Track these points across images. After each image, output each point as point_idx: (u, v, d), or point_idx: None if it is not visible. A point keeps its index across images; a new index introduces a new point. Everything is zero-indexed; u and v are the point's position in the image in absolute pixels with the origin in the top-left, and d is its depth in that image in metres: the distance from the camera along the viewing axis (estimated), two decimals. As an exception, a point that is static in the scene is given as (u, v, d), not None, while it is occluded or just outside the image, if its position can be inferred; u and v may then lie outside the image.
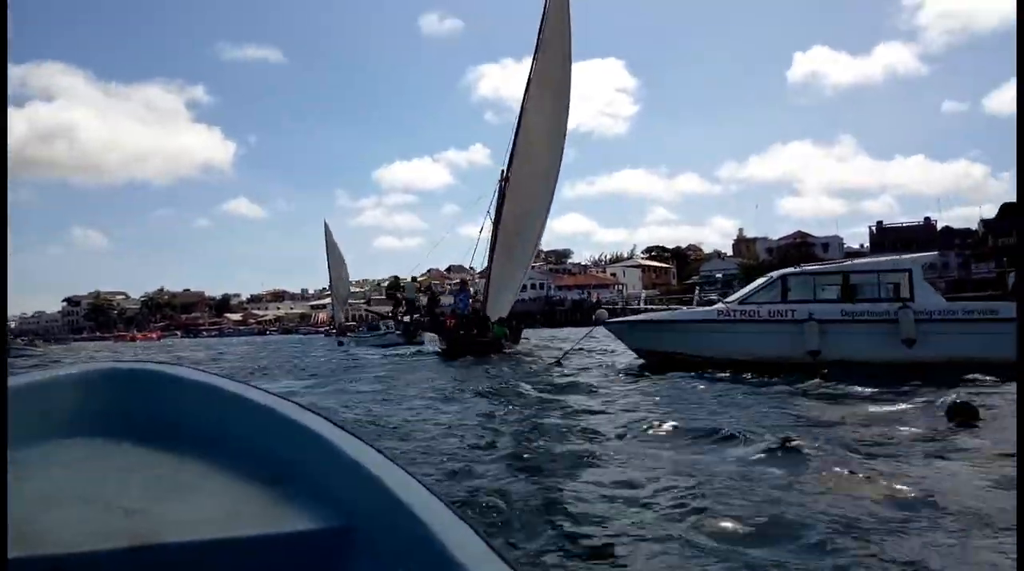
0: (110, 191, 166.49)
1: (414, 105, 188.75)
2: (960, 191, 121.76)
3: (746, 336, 11.26)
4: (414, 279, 27.71)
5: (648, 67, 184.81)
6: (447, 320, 19.05)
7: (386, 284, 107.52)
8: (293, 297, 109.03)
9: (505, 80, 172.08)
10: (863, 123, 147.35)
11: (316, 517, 1.15)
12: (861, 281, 11.53)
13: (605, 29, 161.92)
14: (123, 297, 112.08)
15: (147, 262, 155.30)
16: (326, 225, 47.83)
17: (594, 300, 69.51)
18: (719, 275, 71.25)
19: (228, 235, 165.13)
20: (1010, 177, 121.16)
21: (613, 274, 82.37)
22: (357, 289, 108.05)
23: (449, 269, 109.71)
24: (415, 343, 23.35)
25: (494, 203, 19.38)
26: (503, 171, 19.44)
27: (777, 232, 79.47)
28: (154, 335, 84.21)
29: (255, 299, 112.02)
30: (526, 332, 21.51)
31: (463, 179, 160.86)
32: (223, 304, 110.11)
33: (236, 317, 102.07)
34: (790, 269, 12.44)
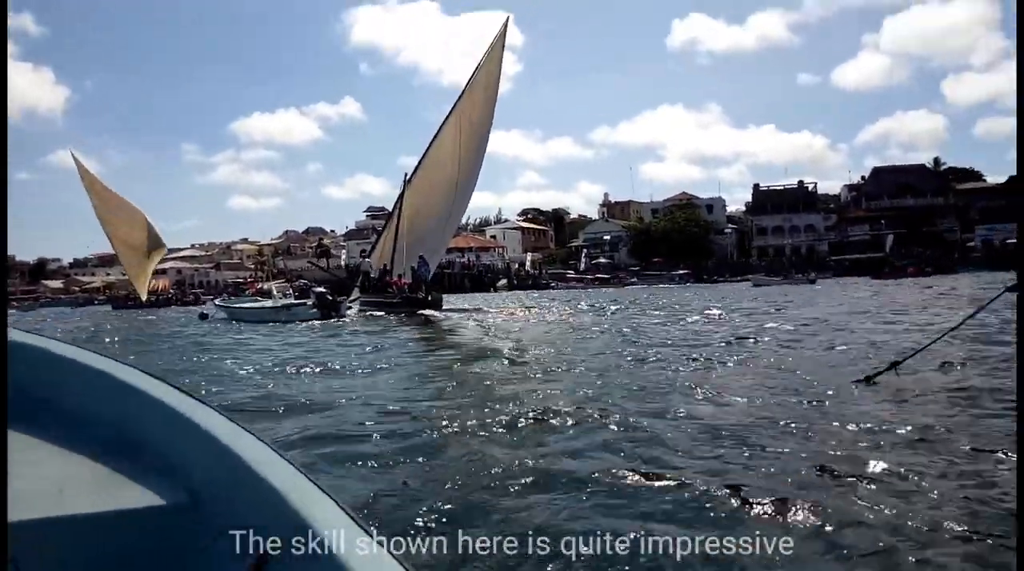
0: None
1: (281, 51, 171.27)
2: (800, 162, 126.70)
3: None
4: (364, 253, 30.69)
5: (536, 24, 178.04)
6: (395, 282, 22.51)
7: (237, 246, 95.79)
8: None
9: (386, 24, 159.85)
10: (729, 91, 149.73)
11: (157, 491, 1.05)
12: None
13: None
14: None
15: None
16: (74, 156, 38.87)
17: (481, 263, 63.62)
18: (607, 237, 68.77)
19: (50, 191, 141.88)
20: (848, 149, 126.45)
21: (492, 237, 76.53)
22: (202, 253, 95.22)
23: (307, 231, 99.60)
24: (336, 316, 18.98)
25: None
26: (406, 174, 24.97)
27: (642, 197, 77.71)
28: None
29: (79, 264, 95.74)
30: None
31: (332, 134, 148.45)
32: (39, 270, 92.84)
33: (56, 284, 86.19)
34: None
